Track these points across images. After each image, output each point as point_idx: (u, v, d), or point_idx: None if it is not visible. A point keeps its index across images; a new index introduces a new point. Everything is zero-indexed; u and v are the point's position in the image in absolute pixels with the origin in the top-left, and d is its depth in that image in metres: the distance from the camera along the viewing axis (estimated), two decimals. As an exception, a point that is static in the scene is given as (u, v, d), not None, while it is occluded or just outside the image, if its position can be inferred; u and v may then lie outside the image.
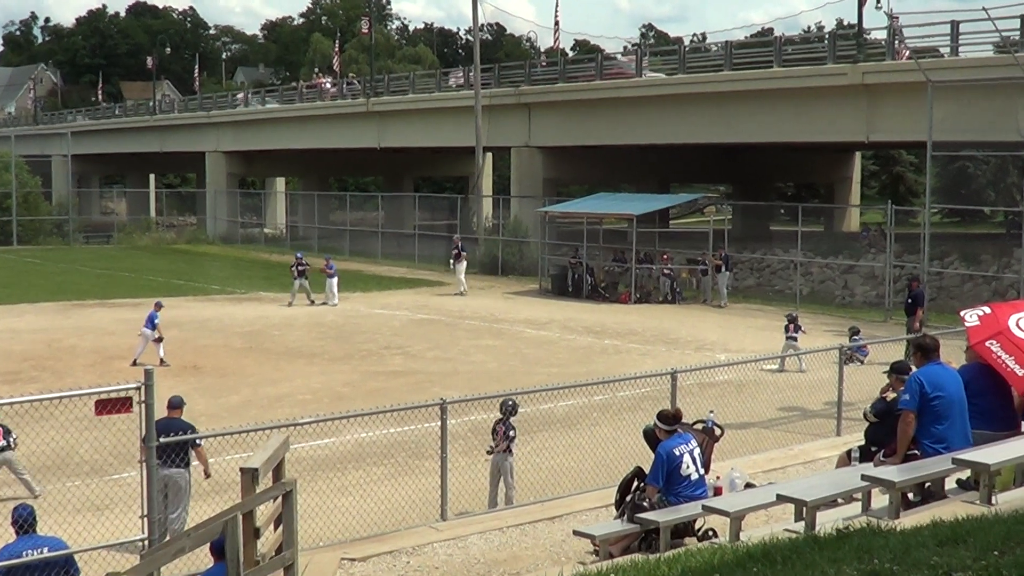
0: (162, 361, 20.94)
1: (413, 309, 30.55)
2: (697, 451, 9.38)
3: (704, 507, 8.92)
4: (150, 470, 8.80)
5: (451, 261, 34.99)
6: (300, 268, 31.22)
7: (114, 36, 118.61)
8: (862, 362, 20.09)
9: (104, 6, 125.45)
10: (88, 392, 8.72)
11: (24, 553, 7.71)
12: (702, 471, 9.42)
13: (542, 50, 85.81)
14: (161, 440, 9.30)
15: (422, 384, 19.45)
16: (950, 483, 8.85)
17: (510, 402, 12.20)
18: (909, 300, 22.66)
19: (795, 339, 21.35)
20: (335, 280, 31.38)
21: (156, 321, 21.52)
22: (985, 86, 26.69)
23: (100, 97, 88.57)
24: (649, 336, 25.93)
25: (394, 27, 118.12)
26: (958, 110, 26.88)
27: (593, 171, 46.55)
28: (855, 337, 21.38)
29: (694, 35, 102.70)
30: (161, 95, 79.88)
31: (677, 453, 9.18)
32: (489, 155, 52.42)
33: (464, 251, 34.75)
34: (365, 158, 58.83)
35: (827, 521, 7.91)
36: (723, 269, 31.83)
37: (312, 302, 30.93)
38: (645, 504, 9.16)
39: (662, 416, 9.46)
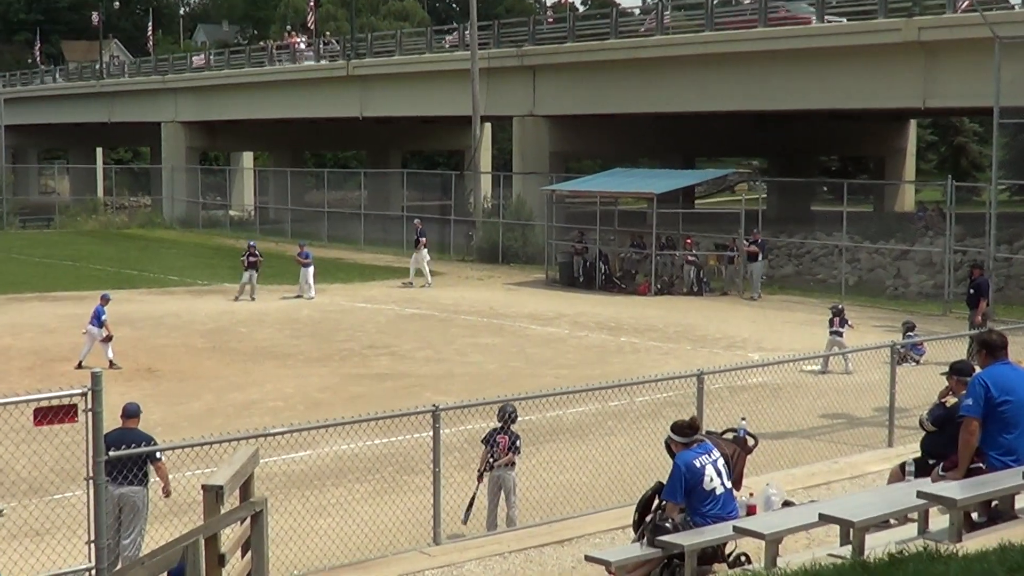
0: (111, 363, 20.95)
1: (401, 303, 30.57)
2: (721, 461, 9.35)
3: (735, 528, 8.91)
4: (98, 489, 8.79)
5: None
6: (251, 259, 31.06)
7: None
8: (918, 362, 20.14)
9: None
10: (26, 399, 8.71)
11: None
12: (728, 484, 9.39)
13: (548, 5, 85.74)
14: (111, 453, 9.30)
15: (412, 389, 19.50)
16: (1020, 501, 8.84)
17: (510, 409, 12.20)
18: (971, 290, 22.69)
19: (840, 335, 21.32)
20: (311, 270, 31.40)
21: (103, 317, 21.49)
22: (1061, 43, 26.67)
23: (38, 59, 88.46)
24: (672, 333, 25.96)
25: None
26: (1029, 71, 26.83)
27: (607, 144, 46.55)
28: (909, 333, 21.40)
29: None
30: (109, 56, 79.85)
31: (698, 465, 9.15)
32: (488, 126, 52.42)
33: (424, 236, 34.56)
34: (345, 129, 58.85)
35: (878, 545, 7.92)
36: (757, 256, 31.81)
37: (246, 299, 30.63)
38: (667, 525, 9.15)
39: (676, 427, 9.44)
